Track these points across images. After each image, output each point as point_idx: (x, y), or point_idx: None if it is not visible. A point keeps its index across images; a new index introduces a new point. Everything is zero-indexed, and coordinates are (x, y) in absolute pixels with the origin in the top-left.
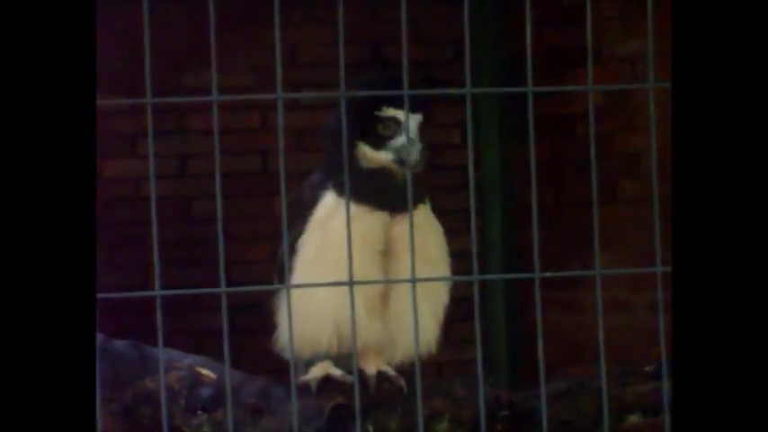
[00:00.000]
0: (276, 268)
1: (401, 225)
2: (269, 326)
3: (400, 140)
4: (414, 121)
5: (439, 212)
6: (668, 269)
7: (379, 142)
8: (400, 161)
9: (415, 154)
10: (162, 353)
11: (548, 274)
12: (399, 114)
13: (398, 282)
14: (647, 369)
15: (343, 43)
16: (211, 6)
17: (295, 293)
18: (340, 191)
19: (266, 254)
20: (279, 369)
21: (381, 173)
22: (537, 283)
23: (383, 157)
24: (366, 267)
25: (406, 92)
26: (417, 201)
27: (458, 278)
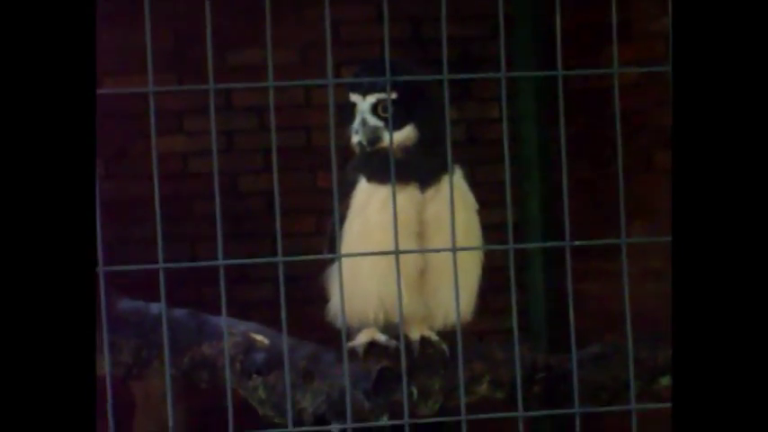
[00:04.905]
0: (326, 243)
1: (432, 204)
2: (316, 297)
3: (354, 123)
4: (366, 103)
5: (478, 185)
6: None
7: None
8: (358, 143)
9: (361, 136)
10: (224, 320)
11: (577, 243)
12: (356, 98)
13: (439, 251)
14: None
15: (385, 21)
16: None
17: (344, 272)
18: (367, 175)
19: (311, 227)
20: (325, 339)
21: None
22: (568, 251)
23: (352, 140)
24: (405, 245)
25: (388, 77)
26: (441, 171)
27: (494, 247)
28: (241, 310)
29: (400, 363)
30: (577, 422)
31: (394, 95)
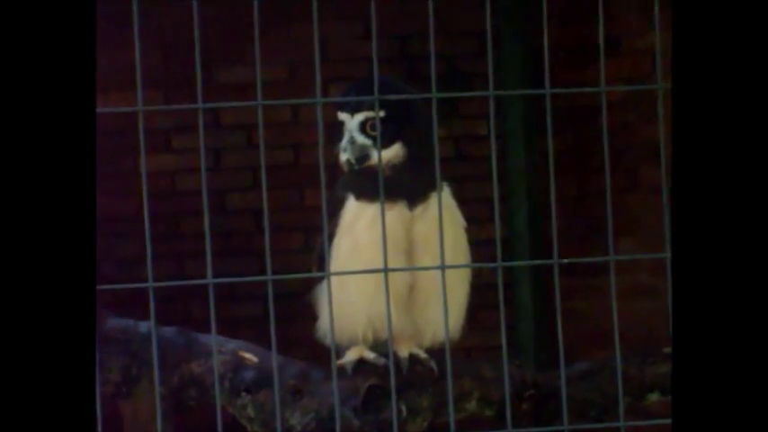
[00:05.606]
0: (315, 260)
1: (420, 222)
2: (304, 315)
3: (343, 142)
4: (354, 121)
5: (466, 202)
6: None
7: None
8: (347, 161)
9: (349, 154)
10: (213, 338)
11: (565, 261)
12: (344, 117)
13: (428, 269)
14: (665, 350)
15: (373, 39)
16: (256, 13)
17: (332, 290)
18: (355, 194)
19: (299, 244)
20: (313, 356)
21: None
22: (556, 268)
23: (340, 158)
24: (393, 263)
25: (376, 96)
26: (429, 189)
27: (483, 265)
28: (229, 328)
29: (389, 380)
30: None
31: (382, 114)
